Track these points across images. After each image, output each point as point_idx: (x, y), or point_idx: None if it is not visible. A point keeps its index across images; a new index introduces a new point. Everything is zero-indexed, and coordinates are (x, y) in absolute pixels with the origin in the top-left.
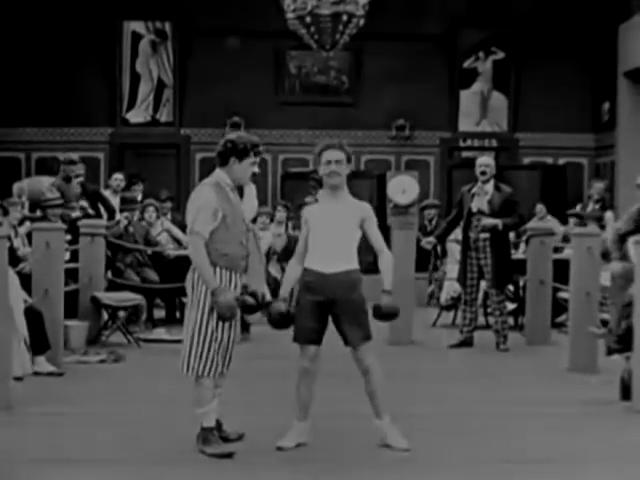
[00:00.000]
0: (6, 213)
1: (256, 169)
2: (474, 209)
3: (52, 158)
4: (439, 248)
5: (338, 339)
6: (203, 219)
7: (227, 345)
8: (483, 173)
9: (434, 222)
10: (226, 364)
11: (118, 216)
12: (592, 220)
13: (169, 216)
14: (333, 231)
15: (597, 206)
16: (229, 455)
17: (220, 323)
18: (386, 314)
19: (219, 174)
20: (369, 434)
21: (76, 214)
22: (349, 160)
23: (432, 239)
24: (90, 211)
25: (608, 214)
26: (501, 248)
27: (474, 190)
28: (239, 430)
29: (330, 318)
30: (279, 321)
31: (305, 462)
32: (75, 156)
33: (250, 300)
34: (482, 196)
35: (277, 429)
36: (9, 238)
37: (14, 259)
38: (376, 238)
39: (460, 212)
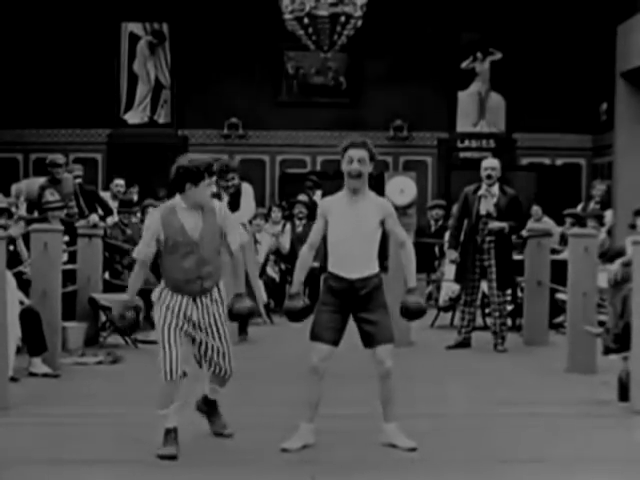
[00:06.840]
0: (11, 216)
1: (213, 189)
2: (482, 212)
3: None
4: (437, 249)
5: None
6: (142, 242)
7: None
8: (489, 177)
9: (440, 222)
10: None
11: (116, 218)
12: (592, 219)
13: None
14: (355, 234)
15: (597, 207)
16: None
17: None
18: (414, 312)
19: (177, 199)
20: (370, 435)
21: (72, 211)
22: (372, 159)
23: (455, 255)
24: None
25: (608, 213)
26: (505, 250)
27: (480, 192)
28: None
29: (352, 321)
30: (296, 315)
31: (306, 463)
32: (61, 159)
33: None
34: (489, 199)
35: (276, 430)
36: (10, 239)
37: (15, 261)
38: (399, 232)
39: (464, 213)
